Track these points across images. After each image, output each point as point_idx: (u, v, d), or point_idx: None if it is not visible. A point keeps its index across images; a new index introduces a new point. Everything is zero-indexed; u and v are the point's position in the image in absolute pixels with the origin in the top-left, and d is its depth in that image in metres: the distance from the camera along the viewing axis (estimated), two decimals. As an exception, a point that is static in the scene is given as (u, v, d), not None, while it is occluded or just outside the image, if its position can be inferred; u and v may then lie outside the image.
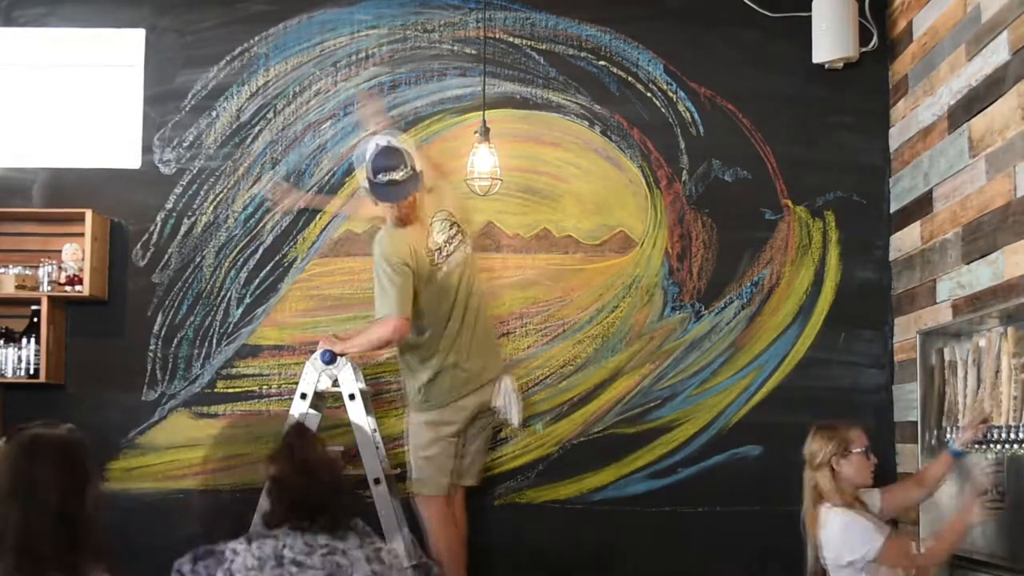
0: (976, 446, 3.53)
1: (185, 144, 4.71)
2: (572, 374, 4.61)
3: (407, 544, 3.94)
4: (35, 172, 4.72)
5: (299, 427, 3.24)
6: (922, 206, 4.26)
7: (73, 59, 4.76)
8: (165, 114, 4.72)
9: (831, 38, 4.54)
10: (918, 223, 4.30)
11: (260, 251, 4.67)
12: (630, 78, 4.72)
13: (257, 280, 4.66)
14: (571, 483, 4.57)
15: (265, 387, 4.61)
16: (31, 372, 4.47)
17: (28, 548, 2.27)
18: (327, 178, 4.68)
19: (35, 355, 4.46)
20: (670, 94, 4.71)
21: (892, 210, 4.61)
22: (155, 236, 4.68)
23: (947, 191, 4.02)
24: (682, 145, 4.69)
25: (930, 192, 4.17)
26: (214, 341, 4.64)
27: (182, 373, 4.63)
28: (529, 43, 4.73)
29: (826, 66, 4.63)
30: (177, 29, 4.76)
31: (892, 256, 4.60)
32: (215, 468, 4.52)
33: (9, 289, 4.48)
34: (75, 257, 4.54)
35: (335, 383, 4.16)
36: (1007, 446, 3.36)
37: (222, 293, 4.66)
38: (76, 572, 2.30)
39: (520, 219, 4.66)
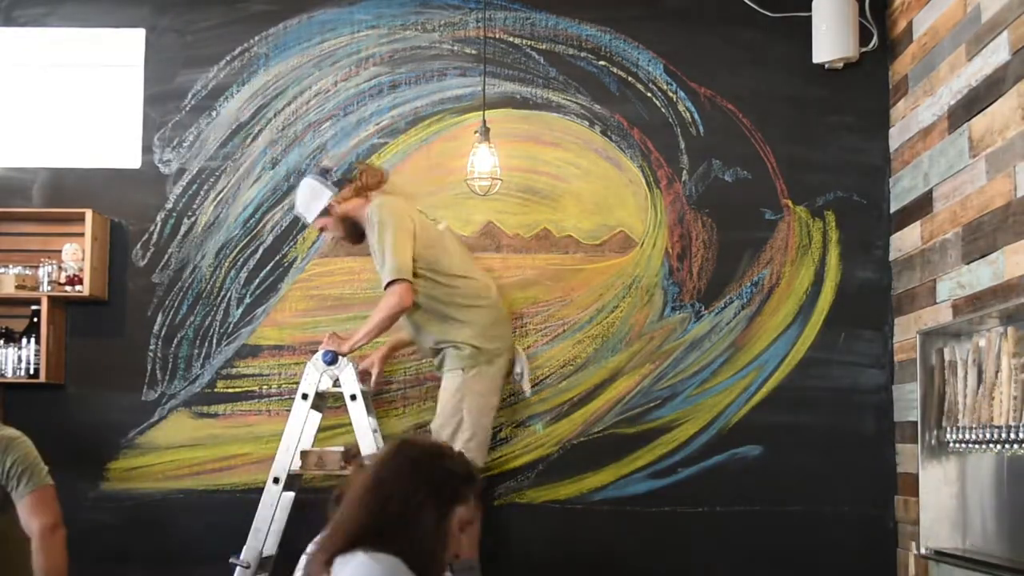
0: (975, 446, 3.53)
1: (185, 144, 4.71)
2: (572, 374, 4.61)
3: None
4: (35, 172, 4.72)
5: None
6: (922, 206, 4.25)
7: (73, 59, 4.76)
8: (165, 114, 4.72)
9: (831, 38, 4.54)
10: (918, 223, 4.30)
11: (260, 251, 4.67)
12: (630, 78, 4.72)
13: (257, 280, 4.67)
14: (571, 483, 4.57)
15: (265, 387, 4.61)
16: (31, 372, 4.47)
17: None
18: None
19: (35, 355, 4.47)
20: (670, 94, 4.71)
21: (892, 210, 4.61)
22: (155, 236, 4.69)
23: (947, 191, 4.02)
24: (682, 145, 4.69)
25: (930, 192, 4.17)
26: (214, 341, 4.64)
27: (182, 373, 4.63)
28: (529, 43, 4.73)
29: (826, 66, 4.63)
30: (177, 29, 4.76)
31: (892, 256, 4.60)
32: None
33: (9, 289, 4.48)
34: (75, 257, 4.54)
35: (336, 383, 4.16)
36: (1007, 446, 3.35)
37: (222, 293, 4.66)
38: None
39: (520, 219, 4.66)
